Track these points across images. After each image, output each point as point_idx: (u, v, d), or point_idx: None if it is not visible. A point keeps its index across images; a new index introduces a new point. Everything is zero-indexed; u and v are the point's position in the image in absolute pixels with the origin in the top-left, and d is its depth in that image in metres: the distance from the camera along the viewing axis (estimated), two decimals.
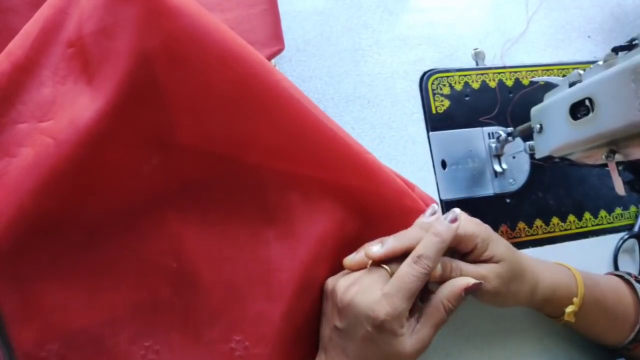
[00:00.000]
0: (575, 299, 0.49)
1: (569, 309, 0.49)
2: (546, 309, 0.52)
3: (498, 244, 0.47)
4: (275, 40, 0.53)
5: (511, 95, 0.63)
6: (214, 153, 0.43)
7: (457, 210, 0.44)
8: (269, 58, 0.53)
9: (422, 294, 0.43)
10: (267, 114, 0.42)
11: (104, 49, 0.39)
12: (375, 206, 0.46)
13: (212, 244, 0.44)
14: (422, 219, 0.45)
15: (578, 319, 0.50)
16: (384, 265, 0.42)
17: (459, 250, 0.47)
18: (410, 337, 0.41)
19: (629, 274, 0.54)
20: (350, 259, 0.45)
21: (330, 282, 0.45)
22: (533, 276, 0.49)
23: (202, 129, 0.42)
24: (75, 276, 0.39)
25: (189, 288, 0.43)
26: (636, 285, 0.52)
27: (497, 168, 0.60)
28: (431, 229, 0.43)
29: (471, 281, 0.43)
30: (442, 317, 0.42)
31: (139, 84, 0.38)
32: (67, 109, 0.38)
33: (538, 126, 0.50)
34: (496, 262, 0.46)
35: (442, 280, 0.44)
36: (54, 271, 0.39)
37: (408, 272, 0.41)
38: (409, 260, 0.41)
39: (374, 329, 0.39)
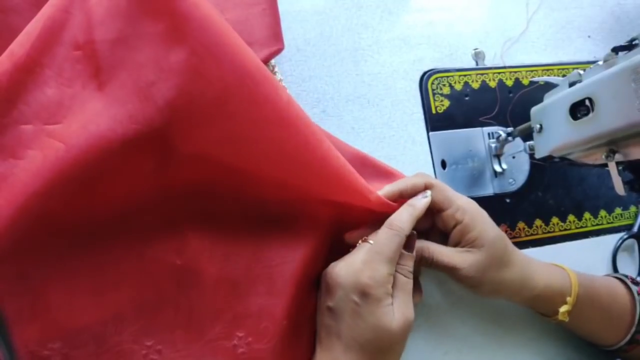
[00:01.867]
0: (569, 298, 0.50)
1: (563, 308, 0.50)
2: (539, 306, 0.52)
3: (485, 228, 0.48)
4: (274, 40, 0.53)
5: (511, 95, 0.63)
6: (220, 162, 0.43)
7: (428, 192, 0.48)
8: (269, 58, 0.53)
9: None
10: (274, 132, 0.42)
11: (120, 58, 0.39)
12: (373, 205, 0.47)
13: (215, 242, 0.44)
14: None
15: (572, 318, 0.50)
16: (369, 240, 0.45)
17: (442, 227, 0.50)
18: (395, 312, 0.42)
19: (626, 276, 0.54)
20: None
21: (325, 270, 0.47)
22: (522, 270, 0.49)
23: (211, 141, 0.42)
24: (78, 275, 0.40)
25: (192, 286, 0.43)
26: (632, 286, 0.52)
27: (497, 168, 0.60)
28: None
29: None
30: (405, 282, 0.44)
31: (156, 95, 0.38)
32: (77, 113, 0.38)
33: (538, 126, 0.50)
34: (479, 246, 0.47)
35: (420, 262, 0.48)
36: (57, 270, 0.39)
37: (382, 236, 0.44)
38: (383, 227, 0.45)
39: (361, 297, 0.42)
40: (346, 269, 0.43)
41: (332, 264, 0.45)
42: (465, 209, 0.48)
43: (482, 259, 0.47)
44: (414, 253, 0.46)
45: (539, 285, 0.50)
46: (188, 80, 0.39)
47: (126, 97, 0.38)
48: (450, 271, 0.48)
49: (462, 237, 0.48)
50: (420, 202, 0.47)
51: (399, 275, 0.44)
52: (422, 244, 0.47)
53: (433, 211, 0.49)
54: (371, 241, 0.44)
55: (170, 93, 0.39)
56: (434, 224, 0.51)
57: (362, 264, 0.43)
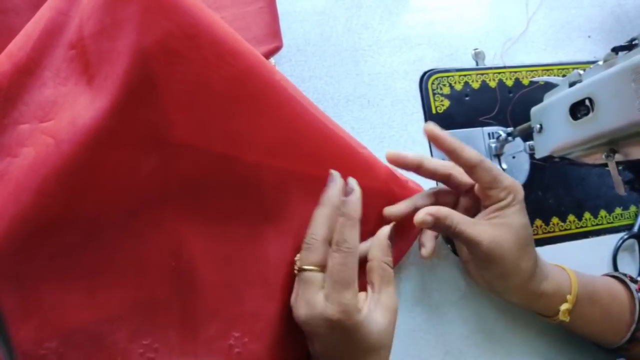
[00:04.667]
0: (569, 296, 0.49)
1: (564, 306, 0.49)
2: (539, 306, 0.51)
3: (520, 209, 0.48)
4: (272, 38, 0.53)
5: (511, 95, 0.63)
6: (211, 151, 0.43)
7: (351, 180, 0.45)
8: (267, 56, 0.53)
9: None
10: (264, 111, 0.43)
11: (103, 49, 0.39)
12: (371, 201, 0.47)
13: (211, 242, 0.44)
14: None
15: (572, 318, 0.50)
16: (309, 267, 0.42)
17: (483, 202, 0.50)
18: (374, 312, 0.42)
19: (624, 275, 0.54)
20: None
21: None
22: (535, 261, 0.49)
23: (200, 127, 0.41)
24: (74, 274, 0.39)
25: (188, 286, 0.43)
26: (631, 284, 0.52)
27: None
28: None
29: (388, 229, 0.45)
30: (384, 275, 0.43)
31: (137, 82, 0.38)
32: (68, 109, 0.38)
33: (538, 126, 0.50)
34: (507, 224, 0.47)
35: (441, 229, 0.47)
36: (53, 270, 0.39)
37: (334, 263, 0.41)
38: (331, 251, 0.42)
39: (338, 330, 0.40)
40: (311, 313, 0.41)
41: (294, 306, 0.43)
42: (511, 189, 0.48)
43: (506, 237, 0.47)
44: (390, 243, 0.45)
45: (545, 281, 0.49)
46: (167, 63, 0.39)
47: (110, 88, 0.38)
48: (470, 243, 0.47)
49: (497, 211, 0.48)
50: (349, 209, 0.43)
51: (384, 266, 0.43)
52: (445, 212, 0.46)
53: (460, 189, 0.51)
54: (311, 267, 0.42)
55: (151, 79, 0.38)
56: (457, 202, 0.51)
57: (325, 302, 0.40)
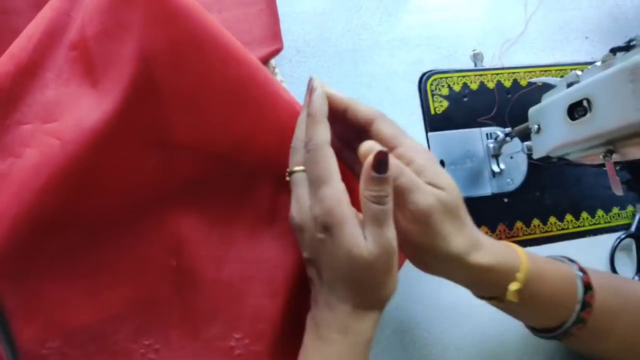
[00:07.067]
0: (519, 274, 0.43)
1: (513, 286, 0.43)
2: (485, 285, 0.45)
3: (440, 171, 0.42)
4: (272, 40, 0.53)
5: (509, 96, 0.64)
6: (213, 153, 0.43)
7: (314, 81, 0.42)
8: (267, 57, 0.53)
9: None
10: (264, 115, 0.43)
11: (106, 51, 0.39)
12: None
13: (212, 242, 0.44)
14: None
15: (521, 298, 0.44)
16: (297, 168, 0.41)
17: None
18: (368, 241, 0.38)
19: (570, 260, 0.50)
20: None
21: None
22: (472, 230, 0.43)
23: (201, 129, 0.42)
24: (76, 274, 0.40)
25: (189, 286, 0.43)
26: (570, 264, 0.49)
27: (495, 168, 0.61)
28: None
29: (375, 149, 0.38)
30: (375, 210, 0.38)
31: (142, 86, 0.39)
32: (72, 110, 0.39)
33: (536, 126, 0.50)
34: (437, 187, 0.41)
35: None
36: (56, 269, 0.39)
37: (306, 164, 0.40)
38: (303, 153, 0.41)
39: (324, 231, 0.38)
40: (298, 210, 0.40)
41: (291, 209, 0.41)
42: (417, 149, 0.42)
43: (445, 198, 0.40)
44: (388, 175, 0.38)
45: (488, 255, 0.42)
46: (171, 67, 0.39)
47: (115, 91, 0.38)
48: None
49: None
50: (314, 108, 0.40)
51: (366, 202, 0.38)
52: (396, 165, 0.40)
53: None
54: (297, 168, 0.41)
55: (156, 83, 0.39)
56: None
57: (308, 197, 0.39)
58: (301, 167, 0.41)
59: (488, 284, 0.44)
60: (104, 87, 0.39)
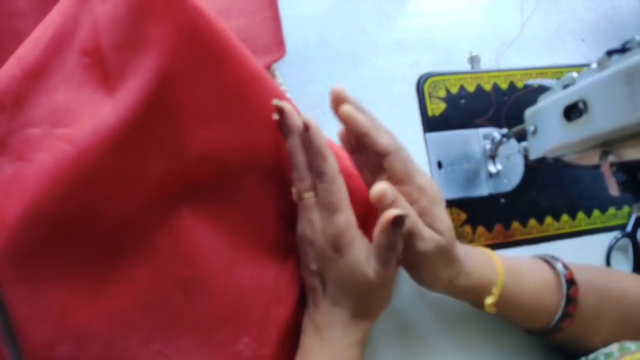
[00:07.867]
0: (494, 289, 0.47)
1: (489, 300, 0.47)
2: (465, 299, 0.50)
3: (442, 216, 0.46)
4: (276, 48, 0.54)
5: (506, 97, 0.64)
6: (225, 163, 0.44)
7: (304, 117, 0.44)
8: (271, 64, 0.54)
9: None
10: (274, 128, 0.45)
11: (125, 62, 0.40)
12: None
13: (223, 251, 0.45)
14: None
15: (502, 307, 0.48)
16: (307, 194, 0.45)
17: None
18: (371, 262, 0.43)
19: (554, 258, 0.53)
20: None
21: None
22: (459, 262, 0.47)
23: (215, 141, 0.43)
24: (87, 280, 0.39)
25: (199, 294, 0.43)
26: (554, 262, 0.51)
27: (492, 169, 0.61)
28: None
29: (394, 212, 0.41)
30: (385, 255, 0.43)
31: (160, 99, 0.39)
32: (88, 117, 0.39)
33: (532, 128, 0.50)
34: (437, 231, 0.45)
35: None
36: (67, 274, 0.39)
37: (319, 191, 0.44)
38: (316, 183, 0.44)
39: (334, 250, 0.43)
40: (311, 230, 0.44)
41: (298, 228, 0.46)
42: (425, 190, 0.45)
43: (442, 244, 0.45)
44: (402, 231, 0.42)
45: (467, 280, 0.47)
46: (192, 84, 0.40)
47: (132, 101, 0.39)
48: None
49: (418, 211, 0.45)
50: (320, 143, 0.43)
51: (380, 245, 0.42)
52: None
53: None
54: (307, 195, 0.44)
55: (174, 95, 0.40)
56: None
57: (320, 219, 0.44)
58: (311, 193, 0.44)
59: (468, 299, 0.50)
60: (120, 97, 0.39)
